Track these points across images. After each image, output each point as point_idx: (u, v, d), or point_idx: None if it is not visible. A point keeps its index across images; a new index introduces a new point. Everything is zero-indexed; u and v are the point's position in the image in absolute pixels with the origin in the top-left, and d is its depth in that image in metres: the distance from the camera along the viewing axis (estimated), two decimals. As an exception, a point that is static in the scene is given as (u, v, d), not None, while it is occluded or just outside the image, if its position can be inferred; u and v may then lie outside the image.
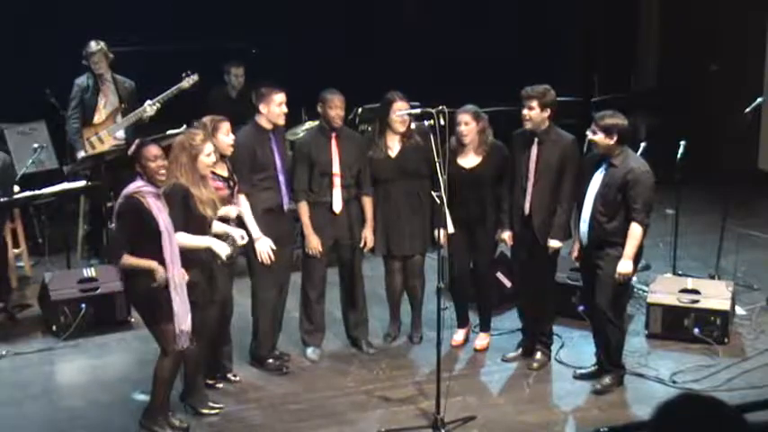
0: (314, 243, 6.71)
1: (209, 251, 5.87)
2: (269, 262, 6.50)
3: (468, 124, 6.64)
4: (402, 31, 11.15)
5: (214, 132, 6.13)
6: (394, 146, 6.85)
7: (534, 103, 6.37)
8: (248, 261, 6.62)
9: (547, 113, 6.43)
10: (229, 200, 6.27)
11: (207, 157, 5.91)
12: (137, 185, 5.59)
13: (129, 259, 5.57)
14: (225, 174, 6.28)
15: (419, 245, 6.97)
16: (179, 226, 5.70)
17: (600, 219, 6.21)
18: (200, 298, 5.89)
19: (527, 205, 6.52)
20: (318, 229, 6.72)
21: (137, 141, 5.86)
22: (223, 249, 5.89)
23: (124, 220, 5.60)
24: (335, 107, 6.67)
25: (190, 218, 5.78)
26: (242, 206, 6.42)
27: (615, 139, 6.13)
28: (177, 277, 5.60)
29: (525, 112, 6.41)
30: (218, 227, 6.01)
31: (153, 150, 5.63)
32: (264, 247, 6.47)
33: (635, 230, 6.14)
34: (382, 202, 6.89)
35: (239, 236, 6.09)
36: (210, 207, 5.87)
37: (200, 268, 5.89)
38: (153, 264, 5.54)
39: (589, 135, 6.23)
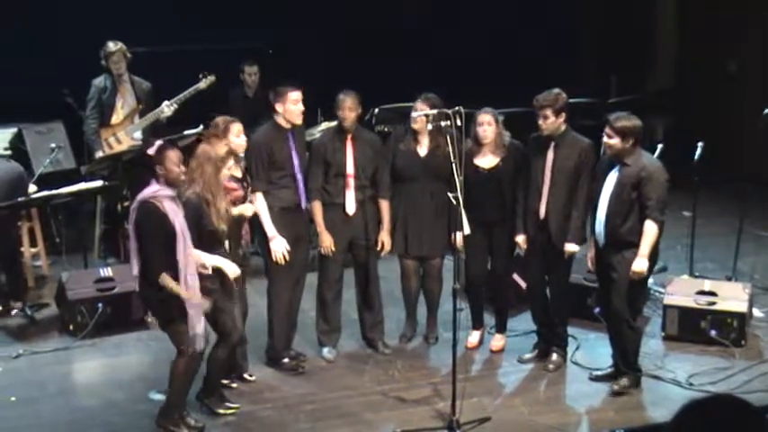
0: (326, 242, 6.71)
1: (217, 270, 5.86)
2: (283, 262, 6.51)
3: (490, 125, 6.65)
4: (424, 32, 11.14)
5: (225, 133, 6.14)
6: (424, 145, 6.86)
7: (548, 112, 6.37)
8: (264, 260, 6.63)
9: (562, 118, 6.43)
10: (243, 201, 6.28)
11: (227, 169, 5.98)
12: (153, 190, 5.57)
13: (166, 280, 5.53)
14: (239, 175, 6.30)
15: (437, 247, 6.96)
16: (193, 240, 5.69)
17: (615, 219, 6.18)
18: (219, 302, 5.89)
19: (542, 209, 6.51)
20: (332, 230, 6.72)
21: (159, 143, 5.84)
22: (232, 269, 5.88)
23: (149, 231, 5.55)
24: (345, 108, 6.68)
25: (202, 233, 5.79)
26: (258, 204, 6.44)
27: (631, 142, 6.12)
28: (190, 281, 5.58)
29: (540, 121, 6.41)
30: (209, 260, 5.89)
31: (177, 154, 5.64)
32: (279, 247, 6.48)
33: (650, 228, 6.12)
34: (404, 201, 6.88)
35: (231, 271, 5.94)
36: (224, 219, 5.88)
37: (213, 276, 5.88)
38: (186, 293, 5.52)
39: (605, 139, 6.22)
